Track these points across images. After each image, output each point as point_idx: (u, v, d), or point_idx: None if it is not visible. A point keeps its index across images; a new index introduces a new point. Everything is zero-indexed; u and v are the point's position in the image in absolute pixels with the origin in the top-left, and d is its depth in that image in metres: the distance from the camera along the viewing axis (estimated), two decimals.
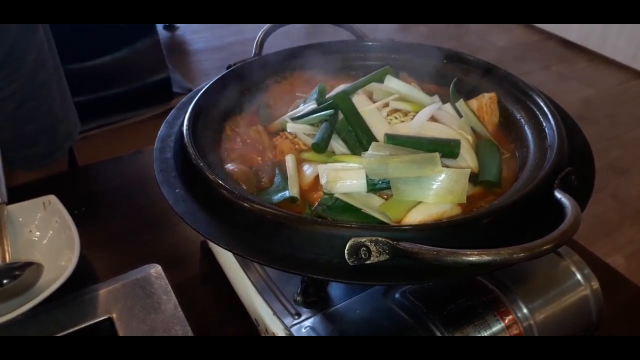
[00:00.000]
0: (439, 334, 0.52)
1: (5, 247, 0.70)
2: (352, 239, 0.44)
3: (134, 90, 2.42)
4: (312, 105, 0.64)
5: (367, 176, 0.53)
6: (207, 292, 0.72)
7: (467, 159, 0.57)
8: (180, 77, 2.68)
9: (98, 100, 2.32)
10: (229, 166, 0.59)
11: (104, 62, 2.31)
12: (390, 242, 0.43)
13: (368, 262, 0.44)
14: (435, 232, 0.46)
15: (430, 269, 0.43)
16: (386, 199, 0.54)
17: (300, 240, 0.46)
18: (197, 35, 3.10)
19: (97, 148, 2.15)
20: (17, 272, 0.66)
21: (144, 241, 0.81)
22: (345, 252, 0.44)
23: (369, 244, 0.43)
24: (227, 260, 0.67)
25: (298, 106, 0.66)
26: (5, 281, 0.66)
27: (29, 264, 0.67)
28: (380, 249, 0.43)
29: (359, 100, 0.62)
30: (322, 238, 0.46)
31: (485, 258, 0.40)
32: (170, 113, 0.65)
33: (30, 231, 0.74)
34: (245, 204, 0.48)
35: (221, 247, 0.47)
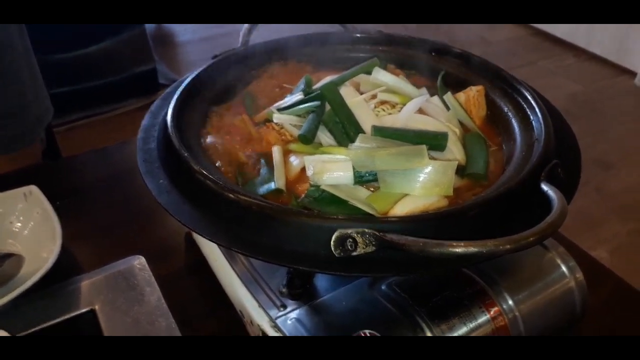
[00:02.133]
0: (424, 325, 0.52)
1: None
2: (339, 231, 0.43)
3: (119, 81, 2.40)
4: (298, 96, 0.63)
5: (354, 168, 0.53)
6: (191, 284, 0.71)
7: (454, 151, 0.57)
8: (167, 68, 2.66)
9: (83, 91, 2.30)
10: (214, 157, 0.58)
11: (89, 52, 2.28)
12: (377, 233, 0.43)
13: (354, 253, 0.43)
14: (422, 223, 0.46)
15: (417, 260, 0.43)
16: (373, 191, 0.53)
17: (286, 231, 0.46)
18: (183, 27, 3.07)
19: (82, 139, 2.13)
20: None
21: (128, 233, 0.80)
22: (332, 243, 0.43)
23: (355, 235, 0.43)
24: (212, 251, 0.66)
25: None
26: None
27: (9, 255, 0.66)
28: (367, 241, 0.43)
29: (347, 92, 0.61)
30: (308, 229, 0.45)
31: (472, 250, 0.40)
32: (154, 103, 0.64)
33: (11, 222, 0.73)
34: (230, 195, 0.48)
35: (206, 238, 0.47)
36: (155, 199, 0.51)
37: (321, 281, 0.58)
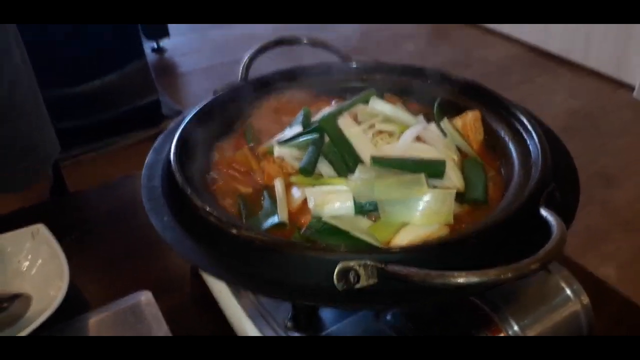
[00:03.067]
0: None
1: None
2: (341, 263, 0.44)
3: (123, 113, 2.42)
4: (298, 129, 0.64)
5: (354, 199, 0.54)
6: (198, 317, 0.71)
7: (453, 178, 0.57)
8: (170, 99, 2.69)
9: (88, 125, 2.32)
10: (217, 192, 0.59)
11: (93, 87, 2.31)
12: (379, 265, 0.43)
13: (357, 286, 0.44)
14: (423, 253, 0.46)
15: (420, 291, 0.43)
16: (374, 221, 0.54)
17: (288, 265, 0.46)
18: (185, 57, 3.12)
19: (87, 172, 2.14)
20: (4, 304, 0.65)
21: (134, 267, 0.80)
22: (334, 276, 0.44)
23: (357, 267, 0.44)
24: (217, 285, 0.66)
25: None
26: None
27: (17, 296, 0.66)
28: (369, 273, 0.44)
29: (345, 123, 0.63)
30: (311, 263, 0.46)
31: (474, 279, 0.40)
32: (157, 140, 0.65)
33: (19, 261, 0.73)
34: (233, 231, 0.48)
35: (209, 274, 0.47)
36: (160, 236, 0.52)
37: (327, 313, 0.58)
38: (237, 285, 0.46)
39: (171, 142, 0.60)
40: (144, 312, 0.71)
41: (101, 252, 0.83)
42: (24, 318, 0.66)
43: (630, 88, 2.62)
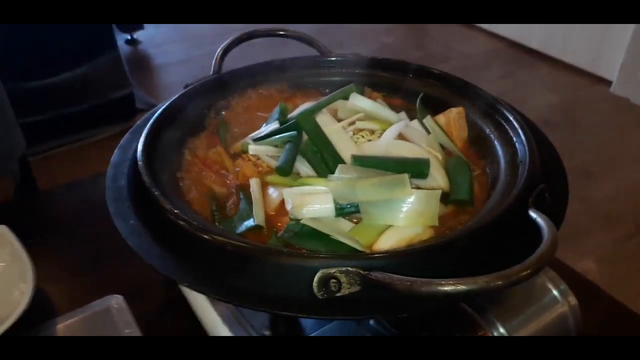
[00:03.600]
0: None
1: None
2: (321, 271, 0.41)
3: (95, 107, 2.35)
4: (274, 126, 0.61)
5: (334, 200, 0.51)
6: (171, 323, 0.68)
7: (437, 177, 0.55)
8: (144, 92, 2.62)
9: (59, 118, 2.25)
10: (188, 193, 0.55)
11: (63, 79, 2.24)
12: (361, 272, 0.41)
13: (339, 294, 0.41)
14: (408, 258, 0.44)
15: (405, 299, 0.41)
16: (356, 223, 0.51)
17: (264, 273, 0.43)
18: (159, 49, 3.04)
19: (58, 168, 2.08)
20: None
21: (104, 270, 0.76)
22: (314, 284, 0.41)
23: (338, 275, 0.41)
24: (191, 291, 0.63)
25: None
26: None
27: None
28: (351, 280, 0.41)
29: (324, 120, 0.59)
30: (289, 270, 0.43)
31: (462, 287, 0.38)
32: (124, 137, 0.61)
33: None
34: (205, 236, 0.45)
35: (180, 284, 0.44)
36: (125, 242, 0.48)
37: (307, 319, 0.55)
38: (208, 295, 0.43)
39: (138, 140, 0.56)
40: (115, 317, 0.67)
41: (69, 255, 0.79)
42: None
43: (608, 83, 2.64)
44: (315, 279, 0.41)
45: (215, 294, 0.43)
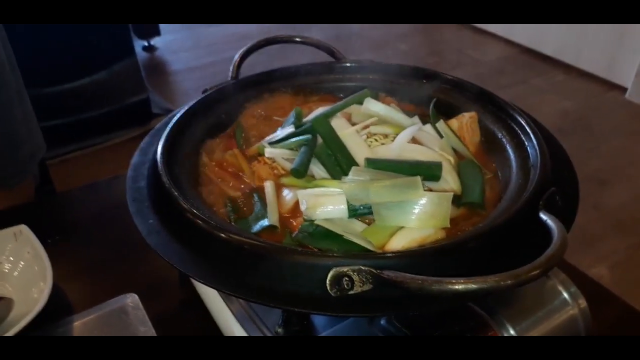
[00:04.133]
0: None
1: None
2: (334, 269, 0.42)
3: (113, 112, 2.39)
4: (289, 129, 0.62)
5: (347, 202, 0.52)
6: (186, 321, 0.70)
7: (449, 180, 0.56)
8: (160, 97, 2.66)
9: (77, 123, 2.29)
10: (205, 194, 0.57)
11: (82, 85, 2.28)
12: (374, 271, 0.42)
13: (351, 292, 0.42)
14: (420, 258, 0.45)
15: (416, 298, 0.42)
16: (368, 224, 0.52)
17: (279, 271, 0.44)
18: (175, 56, 3.09)
19: (76, 171, 2.11)
20: None
21: (120, 270, 0.78)
22: (327, 282, 0.42)
23: (351, 273, 0.42)
24: (206, 290, 0.65)
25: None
26: None
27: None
28: (364, 279, 0.42)
29: (338, 124, 0.61)
30: (303, 268, 0.44)
31: (472, 286, 0.39)
32: (144, 140, 0.63)
33: (1, 263, 0.71)
34: (222, 235, 0.46)
35: (197, 280, 0.45)
36: (145, 240, 0.49)
37: (319, 318, 0.57)
38: (225, 292, 0.44)
39: (158, 142, 0.58)
40: (130, 315, 0.69)
41: (86, 255, 0.81)
42: (6, 322, 0.64)
43: (622, 90, 2.63)
44: (329, 277, 0.42)
45: (231, 291, 0.44)
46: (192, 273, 0.46)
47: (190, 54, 3.10)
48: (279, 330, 0.54)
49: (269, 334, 0.56)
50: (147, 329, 0.67)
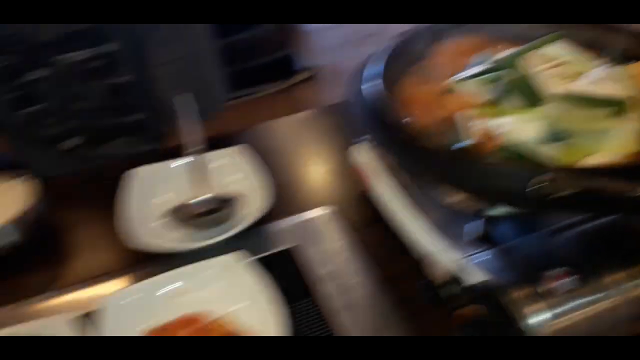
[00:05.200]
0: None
1: (211, 184, 0.83)
2: (537, 177, 0.51)
3: (260, 66, 2.60)
4: (480, 67, 0.70)
5: (541, 128, 0.59)
6: (371, 234, 0.81)
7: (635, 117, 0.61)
8: (300, 54, 2.83)
9: (230, 75, 2.52)
10: None
11: (235, 40, 2.49)
12: (574, 175, 0.49)
13: (553, 196, 0.50)
14: (619, 170, 0.52)
15: (615, 204, 0.49)
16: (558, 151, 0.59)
17: (490, 175, 0.53)
18: None
19: (233, 119, 2.33)
20: (222, 204, 0.79)
21: (313, 189, 0.93)
22: (532, 185, 0.50)
23: (553, 177, 0.50)
24: (393, 206, 0.76)
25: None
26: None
27: (233, 198, 0.80)
28: (565, 183, 0.50)
29: (528, 62, 0.67)
30: (510, 174, 0.53)
31: None
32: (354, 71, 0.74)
33: (230, 173, 0.87)
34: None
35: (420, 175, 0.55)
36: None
37: (502, 230, 0.65)
38: (446, 186, 0.55)
39: (365, 71, 0.69)
40: (325, 224, 0.82)
41: (290, 174, 0.96)
42: (234, 219, 0.80)
43: None
44: (534, 180, 0.50)
45: (456, 186, 0.54)
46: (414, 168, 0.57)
47: None
48: (477, 235, 0.64)
49: (453, 243, 0.66)
50: (340, 235, 0.80)
